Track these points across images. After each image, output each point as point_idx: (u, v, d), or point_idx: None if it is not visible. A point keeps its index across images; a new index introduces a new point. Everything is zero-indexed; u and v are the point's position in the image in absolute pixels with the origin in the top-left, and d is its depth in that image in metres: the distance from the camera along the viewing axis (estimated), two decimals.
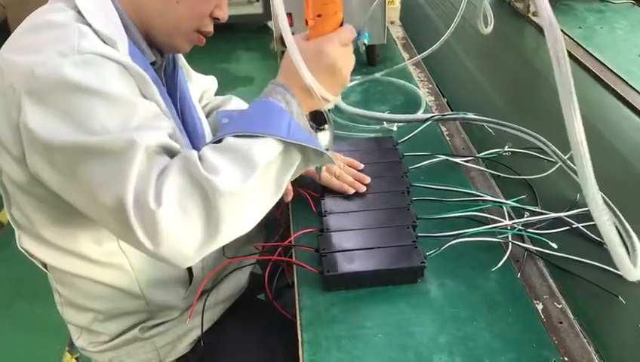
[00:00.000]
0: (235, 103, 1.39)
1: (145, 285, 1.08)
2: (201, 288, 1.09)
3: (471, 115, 1.40)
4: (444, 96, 1.68)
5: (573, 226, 1.09)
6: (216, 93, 1.45)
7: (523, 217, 1.11)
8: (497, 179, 1.26)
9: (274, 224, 1.29)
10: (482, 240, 1.06)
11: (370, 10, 1.65)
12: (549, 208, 1.13)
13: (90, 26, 0.89)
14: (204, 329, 1.15)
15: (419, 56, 1.72)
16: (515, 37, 1.89)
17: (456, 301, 0.96)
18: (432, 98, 1.64)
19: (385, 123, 1.48)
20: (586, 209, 1.11)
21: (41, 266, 1.09)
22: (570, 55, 1.63)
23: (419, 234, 1.06)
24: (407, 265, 0.99)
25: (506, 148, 1.32)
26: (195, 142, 1.11)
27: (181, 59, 1.19)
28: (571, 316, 0.94)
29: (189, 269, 1.12)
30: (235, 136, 0.82)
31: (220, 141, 0.83)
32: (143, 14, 0.98)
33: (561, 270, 1.02)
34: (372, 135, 1.43)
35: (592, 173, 0.72)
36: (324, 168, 1.10)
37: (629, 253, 0.87)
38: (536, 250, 1.05)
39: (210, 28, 1.03)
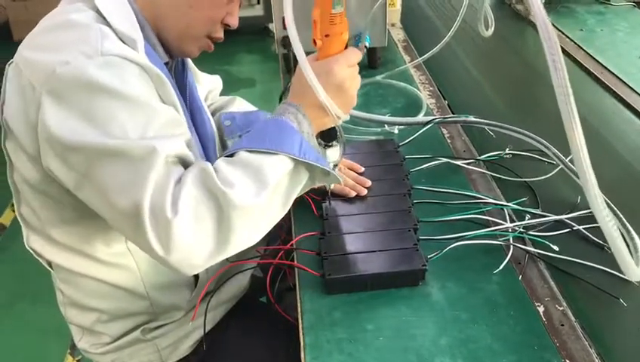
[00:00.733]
0: (239, 104, 1.40)
1: (150, 286, 1.09)
2: (204, 290, 1.09)
3: (472, 118, 1.40)
4: (445, 99, 1.68)
5: (575, 229, 1.09)
6: (219, 95, 1.45)
7: (524, 220, 1.11)
8: (498, 182, 1.26)
9: (275, 227, 1.29)
10: (483, 243, 1.06)
11: (370, 13, 1.65)
12: (550, 211, 1.13)
13: (109, 25, 0.90)
14: (205, 331, 1.15)
15: (420, 59, 1.72)
16: (516, 39, 1.89)
17: (457, 303, 0.96)
18: (433, 100, 1.64)
19: (386, 126, 1.48)
20: (587, 211, 1.12)
21: (46, 265, 1.09)
22: (571, 57, 1.63)
23: (420, 237, 1.06)
24: (408, 267, 0.99)
25: (507, 151, 1.32)
26: (205, 141, 1.13)
27: (188, 61, 1.20)
28: (572, 318, 0.94)
29: None
30: (248, 151, 0.85)
31: (232, 155, 0.86)
32: (157, 16, 1.00)
33: (563, 272, 1.02)
34: (373, 138, 1.43)
35: (592, 172, 0.73)
36: (332, 186, 1.12)
37: (631, 254, 0.87)
38: (538, 253, 1.05)
39: (220, 34, 1.05)
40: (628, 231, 1.02)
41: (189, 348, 1.18)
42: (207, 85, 1.39)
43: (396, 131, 1.46)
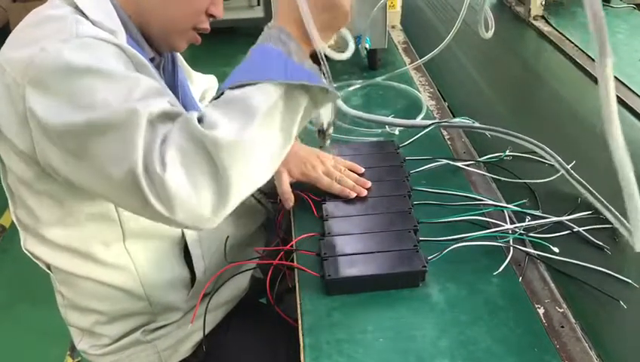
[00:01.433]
0: None
1: (148, 286, 1.08)
2: (204, 291, 1.09)
3: (472, 123, 1.40)
4: (445, 101, 1.68)
5: (575, 230, 1.09)
6: None
7: (524, 221, 1.11)
8: (498, 183, 1.26)
9: (275, 228, 1.29)
10: (483, 245, 1.06)
11: (371, 15, 1.65)
12: (550, 212, 1.13)
13: (87, 18, 0.90)
14: (205, 333, 1.15)
15: (420, 61, 1.72)
16: (516, 41, 1.90)
17: (457, 305, 0.96)
18: (433, 102, 1.64)
19: (386, 127, 1.48)
20: (588, 213, 1.12)
21: (44, 268, 1.09)
22: (572, 59, 1.63)
23: (420, 239, 1.06)
24: (408, 269, 0.99)
25: (507, 153, 1.32)
26: None
27: (180, 59, 1.19)
28: (573, 320, 0.93)
29: (191, 270, 1.12)
30: (233, 88, 0.81)
31: (219, 97, 0.82)
32: (140, 12, 0.99)
33: (563, 274, 1.02)
34: (373, 139, 1.43)
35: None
36: (330, 131, 0.99)
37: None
38: (538, 254, 1.05)
39: (206, 25, 1.04)
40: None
41: (189, 350, 1.18)
42: (201, 85, 1.38)
43: (397, 132, 1.46)
